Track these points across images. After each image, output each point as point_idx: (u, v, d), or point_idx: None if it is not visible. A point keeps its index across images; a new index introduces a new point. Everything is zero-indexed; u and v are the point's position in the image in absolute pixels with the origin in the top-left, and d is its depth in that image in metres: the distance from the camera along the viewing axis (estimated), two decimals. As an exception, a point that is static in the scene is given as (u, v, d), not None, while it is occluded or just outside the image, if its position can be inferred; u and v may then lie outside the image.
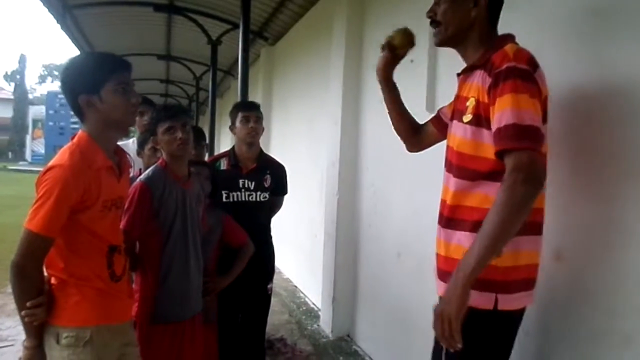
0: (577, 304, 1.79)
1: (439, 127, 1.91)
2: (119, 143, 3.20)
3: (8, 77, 54.67)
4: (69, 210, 1.59)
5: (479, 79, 1.52)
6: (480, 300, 1.44)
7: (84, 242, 1.68)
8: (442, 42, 1.68)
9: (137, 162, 3.01)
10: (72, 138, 1.74)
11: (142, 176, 2.29)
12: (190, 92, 13.83)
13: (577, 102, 1.83)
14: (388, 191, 3.55)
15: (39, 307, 1.60)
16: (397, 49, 1.85)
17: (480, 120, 1.49)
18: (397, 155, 3.33)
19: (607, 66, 1.73)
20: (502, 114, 1.37)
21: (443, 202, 1.67)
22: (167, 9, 7.06)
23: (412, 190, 3.15)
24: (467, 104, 1.56)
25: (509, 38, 1.57)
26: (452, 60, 1.89)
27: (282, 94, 7.06)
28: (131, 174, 2.63)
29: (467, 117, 1.54)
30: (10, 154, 44.87)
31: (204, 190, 2.51)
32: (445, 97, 2.26)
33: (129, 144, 3.25)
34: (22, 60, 52.34)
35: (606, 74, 1.73)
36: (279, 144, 6.98)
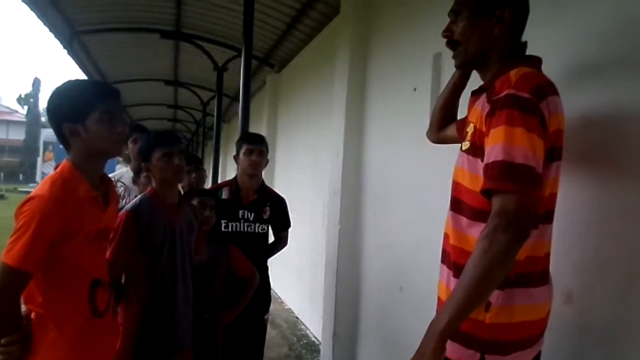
0: (588, 349, 1.67)
1: (461, 133, 1.71)
2: (115, 172, 3.20)
3: (22, 100, 55.50)
4: (48, 243, 1.52)
5: (481, 103, 1.38)
6: (464, 355, 1.31)
7: (64, 276, 1.61)
8: (463, 64, 1.51)
9: (133, 191, 2.96)
10: (56, 167, 1.69)
11: (128, 205, 2.23)
12: (197, 118, 13.93)
13: (588, 132, 1.75)
14: (390, 223, 3.45)
15: (13, 344, 1.51)
16: None
17: (477, 149, 1.34)
18: (399, 186, 3.27)
19: (616, 98, 1.64)
20: (492, 148, 1.22)
21: (446, 236, 1.51)
22: (174, 36, 7.13)
23: (414, 222, 3.05)
24: (467, 129, 1.43)
25: (527, 60, 1.41)
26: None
27: (286, 122, 7.05)
28: (124, 203, 2.57)
29: (465, 145, 1.41)
30: (21, 175, 45.29)
31: (197, 219, 2.44)
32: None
33: (124, 173, 3.20)
34: (36, 83, 53.22)
35: (616, 106, 1.64)
36: (283, 172, 6.94)
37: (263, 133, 7.35)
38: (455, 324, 1.18)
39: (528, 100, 1.23)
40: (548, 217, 1.38)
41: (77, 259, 1.62)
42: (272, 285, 3.32)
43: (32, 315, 1.60)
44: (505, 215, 1.15)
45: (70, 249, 1.59)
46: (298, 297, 5.84)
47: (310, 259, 5.28)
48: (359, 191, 3.99)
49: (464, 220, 1.40)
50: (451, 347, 1.32)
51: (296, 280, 5.82)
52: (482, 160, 1.29)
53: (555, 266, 1.51)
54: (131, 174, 3.08)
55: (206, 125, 13.71)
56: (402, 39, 3.39)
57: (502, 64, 1.40)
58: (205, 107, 11.26)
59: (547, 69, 1.47)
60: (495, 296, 1.29)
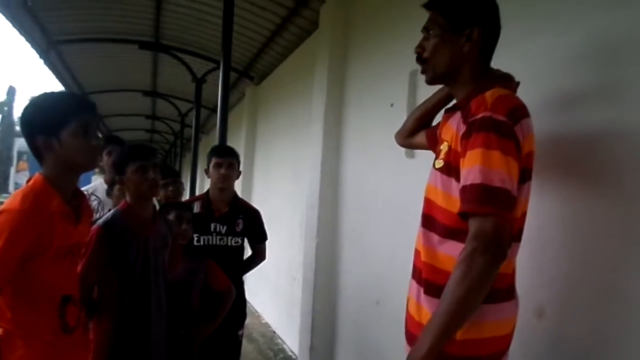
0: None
1: (431, 142, 1.75)
2: (89, 185, 3.14)
3: (-5, 109, 54.32)
4: (18, 258, 1.48)
5: (456, 122, 1.39)
6: None
7: (33, 291, 1.57)
8: (432, 81, 1.52)
9: (107, 204, 2.92)
10: (28, 181, 1.65)
11: (100, 220, 2.19)
12: (175, 129, 13.81)
13: (558, 149, 1.79)
14: (367, 236, 3.46)
15: None
16: None
17: (451, 169, 1.36)
18: (376, 200, 3.29)
19: (587, 114, 1.69)
20: (469, 170, 1.23)
21: (417, 253, 1.52)
22: (153, 47, 7.08)
23: (391, 235, 3.07)
24: (441, 147, 1.45)
25: (500, 79, 1.44)
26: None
27: (265, 135, 7.04)
28: (98, 216, 2.53)
29: (439, 163, 1.42)
30: (-7, 186, 44.09)
31: (172, 234, 2.41)
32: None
33: (98, 186, 3.15)
34: (11, 92, 52.13)
35: (586, 124, 1.69)
36: (261, 185, 6.91)
37: (242, 145, 7.40)
38: (437, 349, 1.19)
39: (504, 123, 1.24)
40: (519, 236, 1.40)
41: (47, 274, 1.58)
42: (249, 299, 3.29)
43: (0, 332, 1.55)
44: (484, 238, 1.17)
45: (41, 264, 1.55)
46: (275, 311, 5.79)
47: (287, 273, 5.25)
48: (336, 204, 3.99)
49: (435, 237, 1.41)
50: None
51: (273, 294, 5.77)
52: (456, 180, 1.32)
53: (527, 282, 1.53)
54: (105, 186, 3.03)
55: (184, 137, 13.60)
56: (379, 55, 3.43)
57: (477, 83, 1.42)
58: (183, 118, 11.18)
59: (521, 91, 1.51)
60: None
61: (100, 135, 1.74)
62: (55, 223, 1.57)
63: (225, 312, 2.66)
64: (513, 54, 1.75)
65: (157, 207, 2.67)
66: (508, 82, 1.48)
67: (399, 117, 2.96)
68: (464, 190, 1.24)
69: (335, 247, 3.95)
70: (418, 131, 1.87)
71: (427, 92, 1.85)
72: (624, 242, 1.51)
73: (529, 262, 1.60)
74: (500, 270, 1.29)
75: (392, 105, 3.15)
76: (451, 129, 1.42)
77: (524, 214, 1.39)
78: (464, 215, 1.25)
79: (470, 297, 1.17)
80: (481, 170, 1.21)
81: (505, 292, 1.38)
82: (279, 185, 6.00)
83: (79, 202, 1.75)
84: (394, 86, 3.07)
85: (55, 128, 1.59)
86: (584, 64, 1.72)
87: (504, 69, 1.55)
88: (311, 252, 4.05)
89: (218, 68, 4.53)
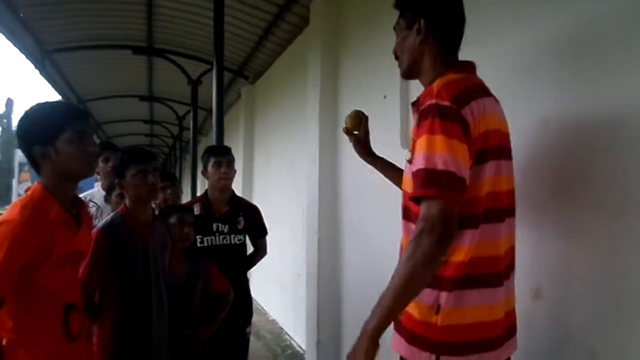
0: (558, 344, 1.71)
1: None
2: (86, 192, 3.15)
3: (-5, 121, 54.39)
4: (20, 268, 1.49)
5: (414, 114, 1.45)
6: (420, 358, 1.34)
7: (36, 300, 1.58)
8: (403, 75, 1.61)
9: (105, 209, 2.93)
10: (27, 190, 1.67)
11: (100, 224, 2.21)
12: (174, 132, 13.83)
13: (545, 136, 1.81)
14: (367, 227, 3.48)
15: None
16: (352, 131, 1.95)
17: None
18: (376, 189, 3.29)
19: (576, 100, 1.71)
20: (416, 157, 1.28)
21: (401, 248, 1.52)
22: (147, 51, 7.10)
23: (391, 224, 3.05)
24: (409, 139, 1.47)
25: (456, 66, 1.46)
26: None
27: (263, 133, 7.05)
28: (97, 222, 2.54)
29: (408, 155, 1.45)
30: (-4, 198, 44.22)
31: (172, 236, 2.42)
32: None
33: (95, 192, 3.17)
34: (9, 104, 52.31)
35: (576, 108, 1.71)
36: (261, 183, 6.93)
37: (240, 144, 7.42)
38: (384, 323, 1.24)
39: (448, 107, 1.28)
40: (493, 216, 1.37)
41: (49, 283, 1.59)
42: (255, 297, 3.29)
43: (3, 342, 1.55)
44: (430, 220, 1.21)
45: (42, 273, 1.56)
46: (282, 308, 5.82)
47: (292, 269, 5.28)
48: (336, 197, 4.01)
49: (412, 226, 1.40)
50: (408, 350, 1.37)
51: (279, 291, 5.80)
52: None
53: (522, 262, 1.54)
54: (102, 192, 3.03)
55: (183, 139, 13.62)
56: (370, 47, 3.43)
57: (436, 72, 1.46)
58: (181, 121, 11.20)
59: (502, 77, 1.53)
60: (444, 298, 1.32)
61: (97, 141, 1.75)
62: (55, 231, 1.58)
63: (225, 314, 2.67)
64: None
65: (156, 211, 2.69)
66: (466, 66, 1.49)
67: (393, 109, 2.99)
68: (413, 176, 1.29)
69: (337, 239, 3.97)
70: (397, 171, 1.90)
71: (418, 83, 1.86)
72: (618, 218, 1.53)
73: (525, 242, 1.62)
74: (478, 254, 1.32)
75: (385, 97, 3.16)
76: (413, 121, 1.47)
77: (492, 194, 1.36)
78: (415, 201, 1.29)
79: (415, 275, 1.21)
80: (425, 156, 1.25)
81: (489, 278, 1.37)
82: (279, 182, 6.02)
83: (78, 210, 1.76)
84: (386, 78, 3.08)
85: (51, 137, 1.61)
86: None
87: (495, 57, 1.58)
88: (314, 246, 4.07)
89: (212, 69, 4.55)
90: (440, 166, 1.23)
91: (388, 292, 1.23)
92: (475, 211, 1.33)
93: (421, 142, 1.28)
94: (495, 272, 1.38)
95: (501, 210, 1.40)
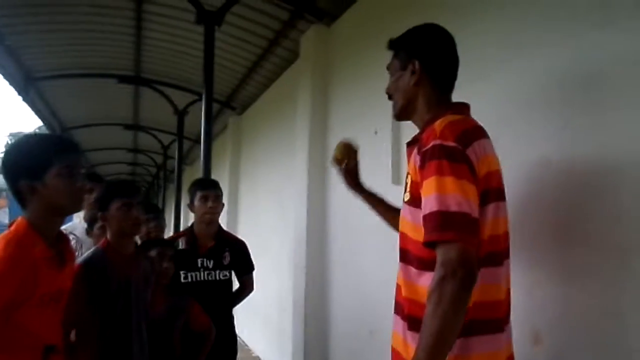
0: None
1: None
2: (68, 225, 3.05)
3: (-27, 147, 53.54)
4: (3, 306, 1.41)
5: (413, 155, 1.41)
6: None
7: (15, 341, 1.49)
8: (396, 116, 1.61)
9: (85, 243, 2.83)
10: (10, 225, 1.59)
11: (81, 258, 2.13)
12: (158, 161, 13.72)
13: (546, 173, 1.79)
14: (357, 265, 3.42)
15: None
16: (342, 162, 1.90)
17: (416, 200, 1.36)
18: (364, 227, 3.25)
19: (576, 138, 1.70)
20: (427, 199, 1.25)
21: (398, 288, 1.49)
22: (133, 81, 7.07)
23: (382, 263, 3.03)
24: (407, 180, 1.45)
25: (453, 108, 1.46)
26: (415, 131, 1.84)
27: (249, 164, 7.01)
28: (77, 256, 2.44)
29: (406, 196, 1.43)
30: (-30, 225, 43.16)
31: (154, 271, 2.35)
32: (411, 169, 2.20)
33: (77, 225, 3.07)
34: (-12, 130, 51.59)
35: (576, 147, 1.70)
36: (247, 216, 6.84)
37: (226, 176, 7.35)
38: None
39: (454, 148, 1.27)
40: (494, 259, 1.35)
41: (30, 323, 1.51)
42: (238, 333, 3.20)
43: None
44: (450, 264, 1.17)
45: (23, 313, 1.48)
46: (266, 344, 5.67)
47: (277, 305, 5.16)
48: (324, 235, 3.95)
49: (413, 270, 1.40)
50: None
51: (263, 327, 5.66)
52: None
53: (519, 306, 1.50)
54: (84, 224, 2.94)
55: (167, 169, 13.50)
56: (361, 82, 3.44)
57: (432, 113, 1.46)
58: (166, 150, 11.12)
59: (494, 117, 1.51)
60: None
61: (84, 173, 1.69)
62: (39, 269, 1.51)
63: (206, 353, 2.61)
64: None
65: (138, 244, 2.61)
66: (463, 108, 1.50)
67: (383, 144, 2.97)
68: (425, 220, 1.26)
69: (325, 275, 3.89)
70: (392, 212, 1.85)
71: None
72: (620, 255, 1.51)
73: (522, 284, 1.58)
74: (480, 299, 1.27)
75: (376, 132, 3.15)
76: (411, 161, 1.44)
77: (495, 237, 1.35)
78: (429, 245, 1.25)
79: (446, 327, 1.15)
80: (437, 198, 1.23)
81: (493, 324, 1.34)
82: (265, 216, 5.94)
83: (63, 246, 1.69)
84: (377, 113, 3.08)
85: (39, 171, 1.55)
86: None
87: (490, 95, 1.57)
88: (301, 281, 3.99)
89: (199, 100, 4.55)
90: (453, 207, 1.21)
91: (422, 351, 1.16)
92: (478, 255, 1.29)
93: (430, 184, 1.25)
94: (498, 317, 1.35)
95: (501, 253, 1.38)
